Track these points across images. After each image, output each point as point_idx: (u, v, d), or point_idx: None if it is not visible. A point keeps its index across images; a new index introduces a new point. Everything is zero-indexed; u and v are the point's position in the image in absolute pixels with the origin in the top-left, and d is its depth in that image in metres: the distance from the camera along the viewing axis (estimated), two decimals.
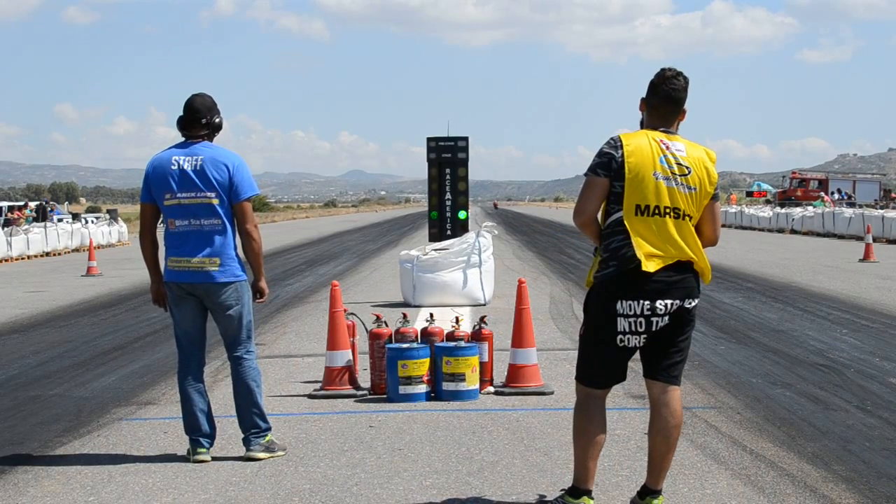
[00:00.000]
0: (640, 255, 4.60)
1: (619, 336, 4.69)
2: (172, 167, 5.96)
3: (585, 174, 4.73)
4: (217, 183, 5.94)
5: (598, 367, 4.79)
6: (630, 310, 4.64)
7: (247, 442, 6.09)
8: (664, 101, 4.78)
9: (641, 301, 4.63)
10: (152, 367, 9.51)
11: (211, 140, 6.11)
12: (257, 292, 6.21)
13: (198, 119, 6.05)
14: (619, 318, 4.66)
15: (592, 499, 4.84)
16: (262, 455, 6.03)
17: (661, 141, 4.70)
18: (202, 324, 6.16)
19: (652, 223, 4.64)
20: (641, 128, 4.87)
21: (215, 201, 5.95)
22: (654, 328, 4.69)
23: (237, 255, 6.07)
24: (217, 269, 5.97)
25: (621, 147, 4.65)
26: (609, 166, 4.65)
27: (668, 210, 4.64)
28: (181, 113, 6.07)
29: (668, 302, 4.66)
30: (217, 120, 6.11)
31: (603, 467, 5.71)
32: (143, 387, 8.53)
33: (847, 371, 8.70)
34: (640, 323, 4.66)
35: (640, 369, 4.90)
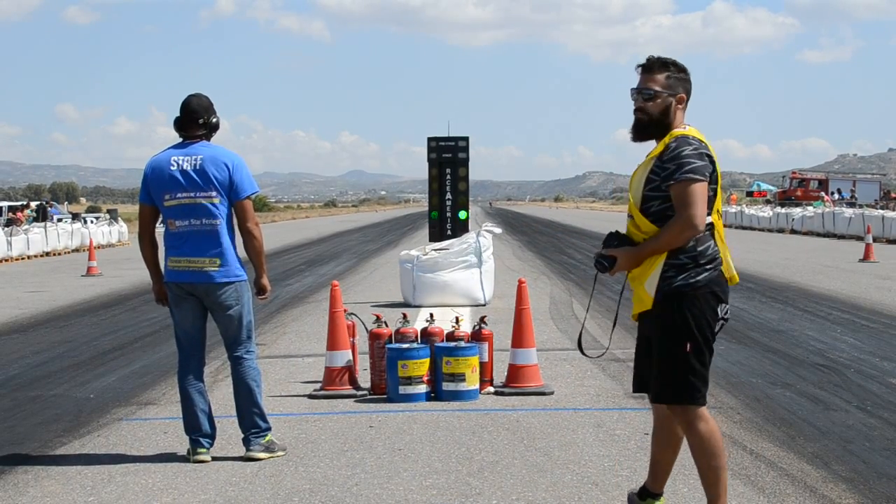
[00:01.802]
0: (726, 257, 4.45)
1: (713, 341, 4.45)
2: (172, 168, 5.97)
3: (693, 178, 4.28)
4: (217, 182, 5.94)
5: (707, 378, 4.47)
6: (725, 313, 4.44)
7: (247, 442, 6.09)
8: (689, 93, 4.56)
9: (726, 304, 4.45)
10: (152, 367, 9.51)
11: (209, 140, 6.12)
12: (259, 289, 6.21)
13: (195, 119, 6.05)
14: (718, 322, 4.42)
15: None
16: (262, 455, 6.03)
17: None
18: (202, 324, 6.16)
19: (718, 225, 4.47)
20: (654, 126, 4.47)
21: (216, 200, 5.95)
22: None
23: (237, 254, 6.07)
24: (217, 269, 5.97)
25: (708, 148, 4.40)
26: (711, 170, 4.37)
27: (718, 211, 4.48)
28: (178, 114, 6.09)
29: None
30: (214, 120, 6.12)
31: (603, 467, 5.72)
32: (143, 387, 8.53)
33: (847, 371, 8.70)
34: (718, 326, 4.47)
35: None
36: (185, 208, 5.96)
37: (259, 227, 6.10)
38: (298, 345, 10.82)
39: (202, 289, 6.01)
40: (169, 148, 6.11)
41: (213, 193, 5.94)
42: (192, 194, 5.94)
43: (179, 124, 6.08)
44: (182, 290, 6.05)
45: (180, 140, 6.09)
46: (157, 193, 6.03)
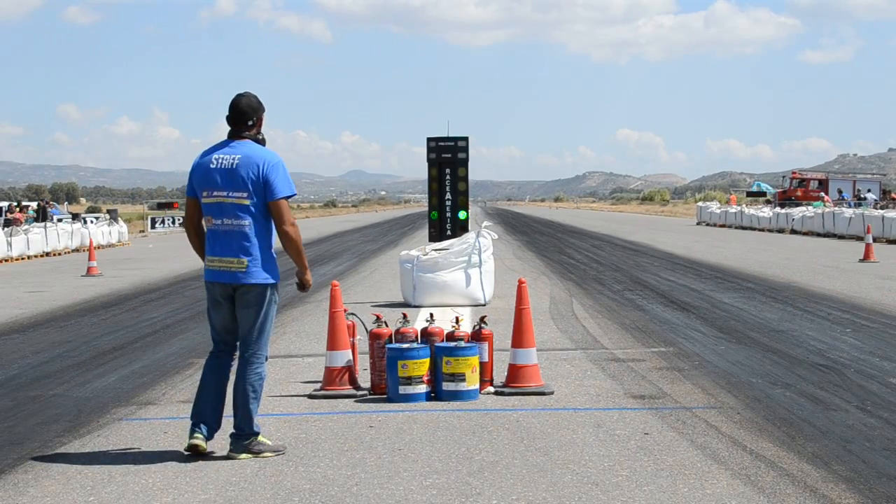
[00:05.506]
0: None
1: None
2: (212, 165, 6.06)
3: None
4: (250, 182, 5.98)
5: None
6: None
7: (231, 439, 6.13)
8: None
9: None
10: (152, 367, 9.51)
11: (257, 138, 6.15)
12: (301, 283, 6.33)
13: (244, 120, 6.13)
14: None
15: None
16: (241, 456, 6.07)
17: None
18: (236, 326, 6.20)
19: None
20: None
21: (247, 201, 5.99)
22: None
23: (272, 256, 6.10)
24: (243, 269, 6.01)
25: None
26: None
27: None
28: (227, 112, 6.14)
29: None
30: (262, 116, 6.20)
31: (603, 467, 5.72)
32: (143, 387, 8.53)
33: (847, 371, 8.70)
34: None
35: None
36: (219, 206, 6.03)
37: (296, 227, 6.13)
38: (298, 345, 10.82)
39: (232, 289, 6.07)
40: (216, 144, 6.18)
41: (244, 194, 5.98)
42: (224, 193, 6.01)
43: (229, 123, 6.14)
44: (217, 291, 6.10)
45: (227, 138, 6.17)
46: (198, 188, 6.11)
